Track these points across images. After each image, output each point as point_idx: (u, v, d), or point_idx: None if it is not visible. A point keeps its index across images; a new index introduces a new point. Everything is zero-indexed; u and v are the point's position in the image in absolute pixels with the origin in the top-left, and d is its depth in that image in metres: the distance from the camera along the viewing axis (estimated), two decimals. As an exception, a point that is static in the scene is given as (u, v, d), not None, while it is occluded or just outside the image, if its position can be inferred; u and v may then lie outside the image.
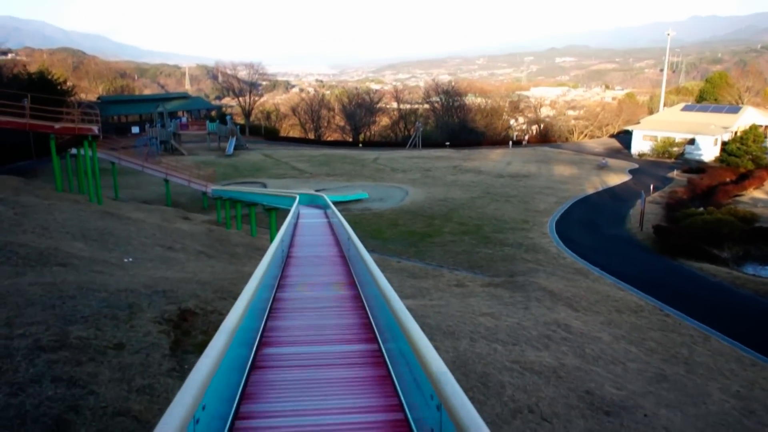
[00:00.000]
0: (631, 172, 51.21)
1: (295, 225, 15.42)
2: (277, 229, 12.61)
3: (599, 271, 22.42)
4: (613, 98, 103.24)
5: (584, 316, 14.78)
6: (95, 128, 24.48)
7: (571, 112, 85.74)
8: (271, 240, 21.80)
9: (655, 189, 40.64)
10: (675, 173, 49.76)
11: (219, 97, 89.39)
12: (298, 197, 19.50)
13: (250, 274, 5.54)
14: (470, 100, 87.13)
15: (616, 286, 20.37)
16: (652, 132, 62.75)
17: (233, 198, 28.64)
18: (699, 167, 51.13)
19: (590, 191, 41.99)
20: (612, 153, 64.00)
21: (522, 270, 21.48)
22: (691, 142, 58.46)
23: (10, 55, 67.41)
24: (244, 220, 29.62)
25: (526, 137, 77.05)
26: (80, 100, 71.84)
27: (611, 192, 42.34)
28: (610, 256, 24.76)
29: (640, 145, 62.89)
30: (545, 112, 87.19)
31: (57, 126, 23.28)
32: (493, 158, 60.38)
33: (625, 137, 73.57)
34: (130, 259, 13.20)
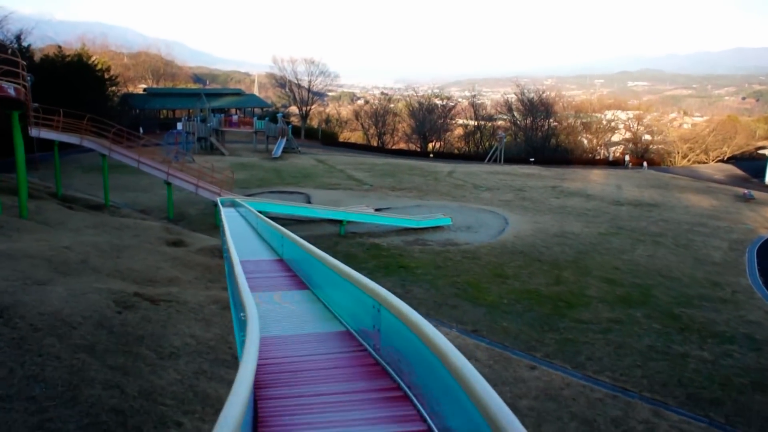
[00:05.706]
0: (788, 208, 38.52)
1: None
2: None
3: None
4: (693, 125, 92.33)
5: None
6: (9, 89, 13.72)
7: (647, 137, 74.67)
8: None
9: None
10: None
11: (285, 105, 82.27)
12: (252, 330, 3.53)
13: None
14: (560, 117, 76.11)
15: None
16: (798, 159, 50.78)
17: (218, 225, 16.36)
18: None
19: (766, 234, 29.37)
20: (736, 181, 52.53)
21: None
22: None
23: (94, 57, 62.91)
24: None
25: (628, 158, 64.95)
26: (117, 90, 64.64)
27: (798, 237, 29.59)
28: None
29: (780, 173, 51.12)
30: (617, 137, 77.96)
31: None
32: (594, 180, 48.76)
33: (745, 163, 63.45)
34: None
